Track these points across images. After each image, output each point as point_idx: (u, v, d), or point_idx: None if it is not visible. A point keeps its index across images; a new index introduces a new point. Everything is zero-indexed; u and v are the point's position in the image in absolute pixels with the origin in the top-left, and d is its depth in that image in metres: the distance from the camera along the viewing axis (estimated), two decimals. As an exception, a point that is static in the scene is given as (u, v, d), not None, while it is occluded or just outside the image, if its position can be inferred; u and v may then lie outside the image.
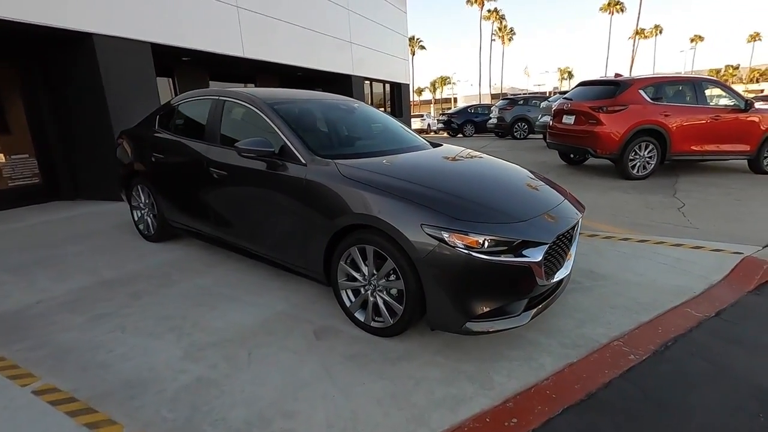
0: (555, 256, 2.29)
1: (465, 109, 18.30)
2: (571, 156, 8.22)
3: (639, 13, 66.05)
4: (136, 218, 4.14)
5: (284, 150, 2.68)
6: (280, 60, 9.02)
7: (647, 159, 6.57)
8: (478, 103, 20.62)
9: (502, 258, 2.03)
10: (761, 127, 6.72)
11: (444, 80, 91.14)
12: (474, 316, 2.09)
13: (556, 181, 3.10)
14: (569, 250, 2.50)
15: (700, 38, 79.40)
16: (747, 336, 2.45)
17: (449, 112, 19.47)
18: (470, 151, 3.40)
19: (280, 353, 2.26)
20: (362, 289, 2.43)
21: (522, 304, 2.18)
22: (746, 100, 6.70)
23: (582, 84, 7.47)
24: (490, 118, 15.26)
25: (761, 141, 6.76)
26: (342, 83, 12.02)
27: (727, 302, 2.86)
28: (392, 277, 2.27)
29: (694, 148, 6.61)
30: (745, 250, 3.55)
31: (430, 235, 2.05)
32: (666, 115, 6.43)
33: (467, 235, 2.02)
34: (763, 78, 70.75)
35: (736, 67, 78.34)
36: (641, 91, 6.50)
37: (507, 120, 14.17)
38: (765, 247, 3.64)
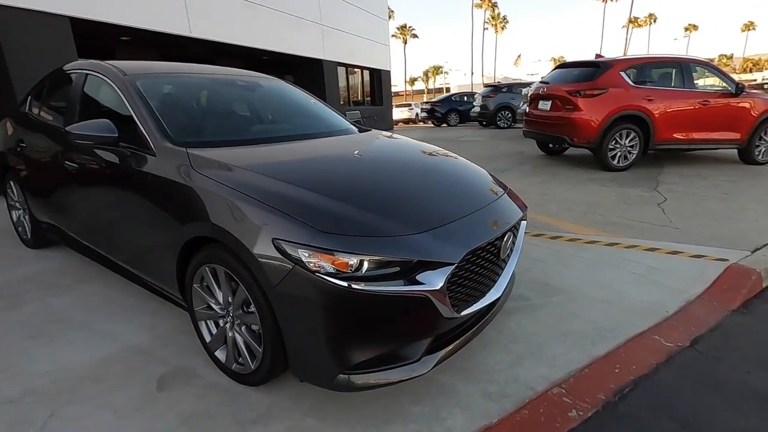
0: (473, 278, 1.69)
1: (449, 97, 17.59)
2: (550, 146, 7.62)
3: (632, 1, 65.17)
4: (14, 219, 3.49)
5: (137, 136, 2.05)
6: (236, 41, 8.28)
7: (629, 148, 5.98)
8: (467, 92, 19.89)
9: (385, 287, 1.43)
10: (752, 113, 6.15)
11: (437, 69, 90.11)
12: (350, 366, 1.49)
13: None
14: (502, 265, 1.91)
15: (694, 27, 78.77)
16: (730, 377, 1.88)
17: (432, 100, 18.73)
18: (401, 137, 2.78)
19: (94, 414, 1.65)
20: (221, 321, 1.82)
21: (421, 347, 1.59)
22: (737, 84, 6.12)
23: (560, 66, 6.84)
24: (474, 106, 14.59)
25: (753, 128, 6.19)
26: (312, 68, 11.29)
27: (706, 325, 2.29)
28: (249, 309, 1.67)
29: (680, 136, 6.03)
30: (731, 256, 2.98)
31: (284, 253, 1.44)
32: (650, 100, 5.83)
33: (333, 254, 1.41)
34: (756, 68, 70.49)
35: (730, 57, 77.82)
36: (623, 73, 5.88)
37: (490, 108, 13.50)
38: (755, 251, 3.08)
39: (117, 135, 1.99)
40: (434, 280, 1.48)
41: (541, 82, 6.87)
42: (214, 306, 1.81)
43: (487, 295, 1.82)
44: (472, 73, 56.25)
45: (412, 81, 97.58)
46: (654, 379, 1.87)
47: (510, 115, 13.32)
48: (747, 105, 6.12)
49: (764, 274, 2.74)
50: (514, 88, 13.53)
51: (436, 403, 1.71)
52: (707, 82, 6.35)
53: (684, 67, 6.11)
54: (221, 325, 1.82)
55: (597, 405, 1.71)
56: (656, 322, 2.29)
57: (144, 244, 2.07)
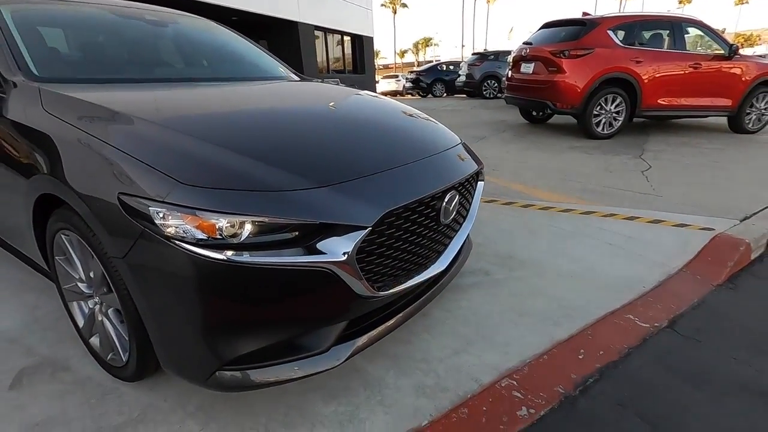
0: (402, 248, 1.33)
1: (435, 66, 16.86)
2: (533, 113, 7.22)
3: (627, -29, 63.45)
4: None
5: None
6: (197, -3, 7.60)
7: (614, 114, 5.61)
8: (453, 60, 19.17)
9: (271, 258, 1.06)
10: (744, 79, 5.79)
11: (427, 41, 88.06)
12: (231, 361, 1.14)
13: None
14: (447, 232, 1.56)
15: (688, 0, 77.41)
16: (713, 365, 1.58)
17: (417, 69, 18.01)
18: (348, 88, 2.37)
19: None
20: (90, 303, 1.46)
21: (330, 334, 1.24)
22: (730, 46, 5.73)
23: (545, 26, 6.34)
24: (460, 75, 13.98)
25: (744, 95, 5.85)
26: (287, 32, 10.59)
27: (687, 303, 1.99)
28: (106, 288, 1.30)
29: (669, 102, 5.66)
30: (718, 225, 2.67)
31: (132, 213, 1.07)
32: (638, 62, 5.43)
33: (197, 213, 1.03)
34: (748, 43, 69.91)
35: (722, 32, 76.95)
36: (610, 32, 5.45)
37: (476, 77, 12.92)
38: (744, 220, 2.78)
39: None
40: (339, 249, 1.12)
41: (524, 43, 6.39)
42: (79, 284, 1.43)
43: (428, 269, 1.47)
44: (463, 46, 54.83)
45: (402, 53, 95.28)
46: (624, 366, 1.57)
47: (496, 84, 12.78)
48: (739, 69, 5.76)
49: (754, 244, 2.45)
50: (501, 55, 12.91)
51: (355, 401, 1.39)
52: (699, 43, 5.96)
53: (676, 27, 5.69)
54: (90, 307, 1.45)
55: (553, 400, 1.40)
56: (631, 299, 1.99)
57: (4, 208, 1.66)
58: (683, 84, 5.64)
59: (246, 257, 1.05)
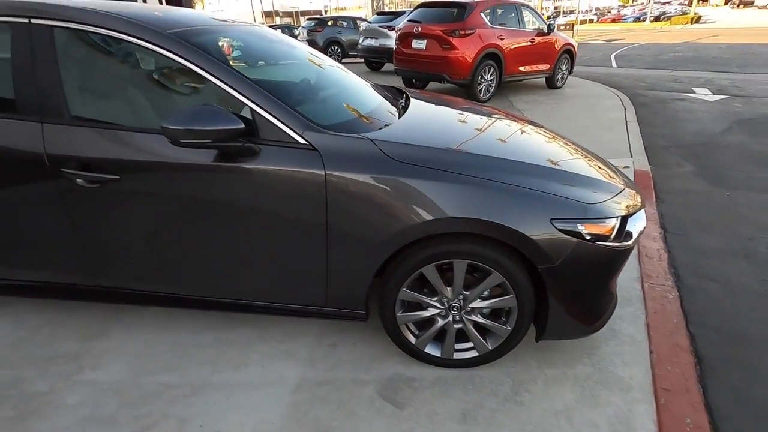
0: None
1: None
2: (414, 81, 8.19)
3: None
4: None
5: (256, 124, 1.52)
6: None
7: (489, 82, 7.04)
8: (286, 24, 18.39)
9: (629, 241, 1.66)
10: (556, 48, 7.98)
11: (204, -7, 78.48)
12: (603, 313, 1.73)
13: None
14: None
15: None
16: (699, 245, 2.86)
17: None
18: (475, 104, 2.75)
19: (373, 461, 1.42)
20: (438, 318, 1.72)
21: (616, 281, 1.92)
22: (548, 24, 7.75)
23: (423, 5, 7.22)
24: (302, 41, 13.84)
25: (556, 60, 8.07)
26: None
27: (656, 215, 3.30)
28: (486, 293, 1.66)
29: (519, 69, 7.40)
30: (627, 163, 4.18)
31: (563, 231, 1.50)
32: (501, 39, 6.88)
33: (604, 222, 1.55)
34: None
35: None
36: (482, 15, 6.69)
37: (320, 43, 13.06)
38: (631, 158, 4.38)
39: (241, 125, 1.43)
40: (640, 224, 1.77)
41: (410, 20, 7.14)
42: (432, 303, 1.68)
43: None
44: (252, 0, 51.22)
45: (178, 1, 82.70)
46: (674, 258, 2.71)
47: (339, 50, 13.25)
48: (554, 41, 7.88)
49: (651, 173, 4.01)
50: (338, 21, 13.35)
51: (602, 321, 2.10)
52: (530, 22, 7.81)
53: (517, 9, 7.34)
54: (438, 321, 1.72)
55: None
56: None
57: (298, 266, 1.64)
58: (525, 54, 7.43)
59: (618, 244, 1.62)
